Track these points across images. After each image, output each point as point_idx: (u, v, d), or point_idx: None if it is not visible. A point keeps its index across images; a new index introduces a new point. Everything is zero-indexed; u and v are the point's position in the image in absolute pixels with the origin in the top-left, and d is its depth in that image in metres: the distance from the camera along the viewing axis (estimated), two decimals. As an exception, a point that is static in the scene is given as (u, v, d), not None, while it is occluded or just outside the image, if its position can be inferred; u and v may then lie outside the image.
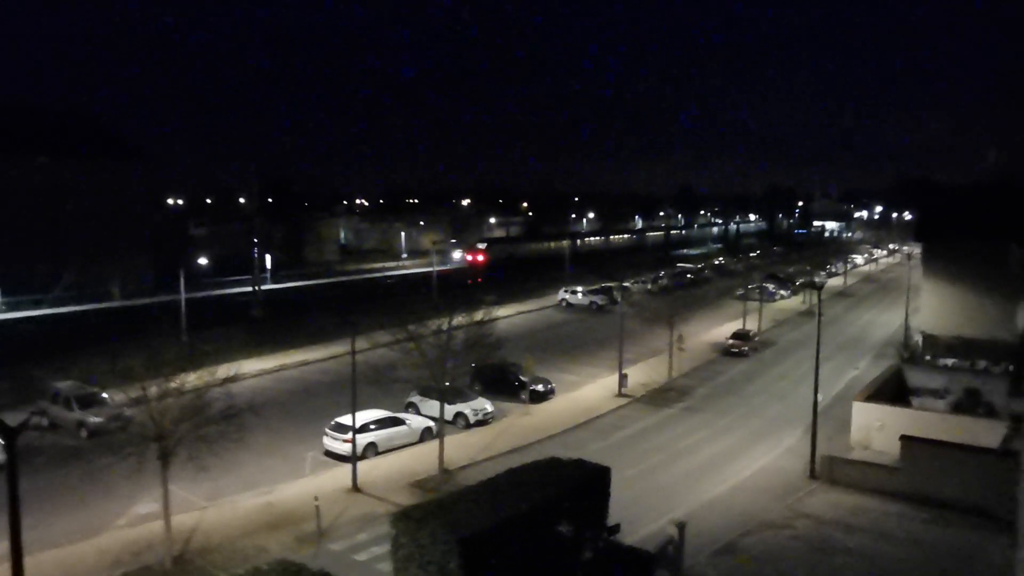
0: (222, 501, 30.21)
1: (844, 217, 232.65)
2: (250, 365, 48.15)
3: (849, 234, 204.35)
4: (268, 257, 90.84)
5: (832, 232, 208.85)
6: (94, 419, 36.92)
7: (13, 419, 16.15)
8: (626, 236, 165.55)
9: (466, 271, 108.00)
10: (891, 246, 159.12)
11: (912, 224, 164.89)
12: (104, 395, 38.05)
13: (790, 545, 27.27)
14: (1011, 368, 39.63)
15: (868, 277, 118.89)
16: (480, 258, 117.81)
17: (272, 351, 55.28)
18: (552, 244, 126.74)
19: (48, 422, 38.14)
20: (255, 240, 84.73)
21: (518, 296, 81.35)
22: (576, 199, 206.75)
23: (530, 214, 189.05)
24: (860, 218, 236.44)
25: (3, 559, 19.11)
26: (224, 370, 28.21)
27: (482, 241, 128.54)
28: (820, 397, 36.57)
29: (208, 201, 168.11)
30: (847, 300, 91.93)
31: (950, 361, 46.25)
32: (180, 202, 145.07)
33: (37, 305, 70.97)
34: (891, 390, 41.26)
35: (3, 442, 16.89)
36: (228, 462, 30.67)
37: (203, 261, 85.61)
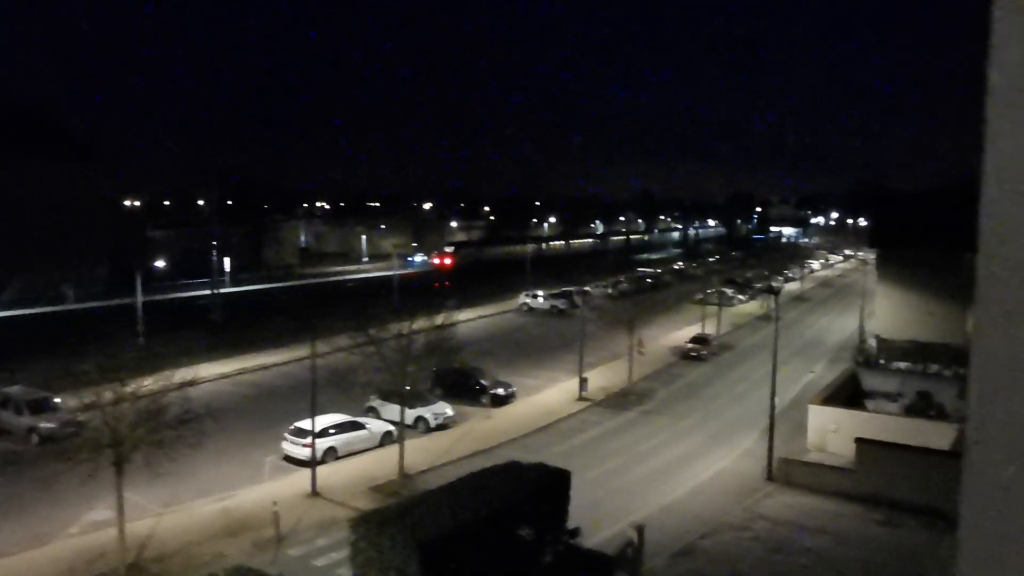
0: (178, 507, 29.80)
1: (801, 223, 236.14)
2: (208, 369, 47.57)
3: (806, 240, 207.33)
4: (227, 260, 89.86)
5: (789, 237, 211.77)
6: (46, 425, 36.21)
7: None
8: (589, 240, 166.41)
9: (434, 274, 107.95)
10: (847, 252, 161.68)
11: (867, 230, 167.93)
12: (57, 400, 37.34)
13: (748, 546, 27.58)
14: (961, 372, 40.47)
15: (824, 282, 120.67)
16: (448, 261, 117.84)
17: (231, 355, 54.64)
18: (519, 248, 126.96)
19: (-3, 428, 37.35)
20: (214, 243, 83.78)
21: (479, 300, 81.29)
22: (538, 203, 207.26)
23: (492, 218, 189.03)
24: (817, 224, 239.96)
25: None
26: (181, 374, 27.88)
27: (450, 244, 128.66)
28: (777, 400, 37.05)
29: (166, 203, 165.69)
30: (804, 305, 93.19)
31: (903, 365, 47.11)
32: (137, 204, 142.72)
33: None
34: (846, 393, 41.94)
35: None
36: (185, 467, 30.23)
37: (161, 264, 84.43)
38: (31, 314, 69.14)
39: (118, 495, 24.27)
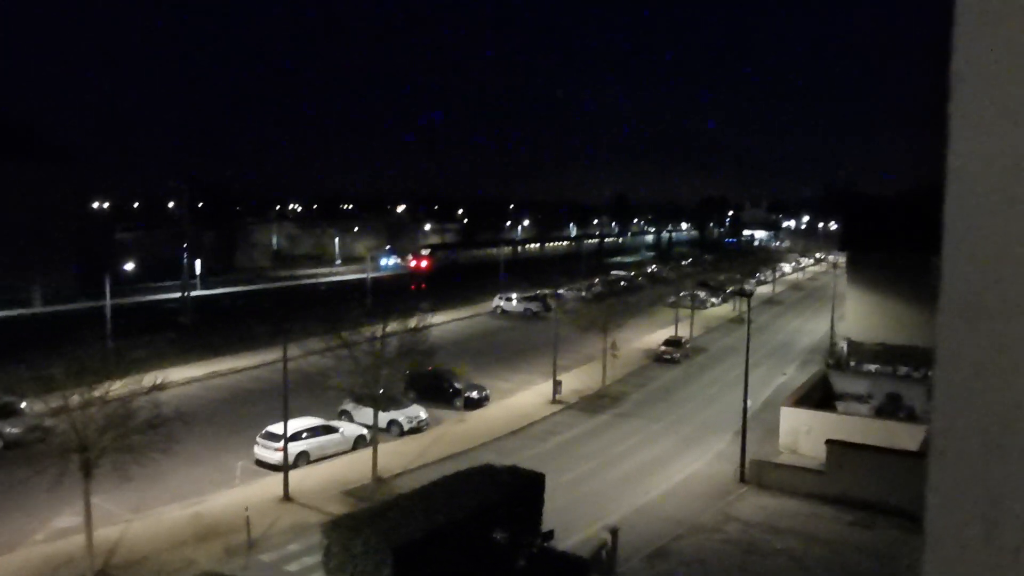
0: (148, 513, 29.46)
1: (773, 226, 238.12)
2: (179, 373, 47.07)
3: (777, 243, 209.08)
4: (198, 262, 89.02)
5: (761, 241, 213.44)
6: (11, 430, 35.66)
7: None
8: (565, 243, 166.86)
9: (410, 276, 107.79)
10: (817, 255, 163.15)
11: (837, 233, 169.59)
12: (22, 405, 36.75)
13: (721, 548, 27.72)
14: (930, 374, 40.96)
15: (796, 285, 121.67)
16: (424, 264, 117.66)
17: (202, 358, 54.10)
18: (494, 251, 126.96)
19: (-38, 433, 36.71)
20: (184, 245, 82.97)
21: (453, 303, 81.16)
22: (511, 206, 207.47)
23: (465, 221, 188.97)
24: (788, 227, 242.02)
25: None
26: (151, 378, 27.56)
27: (426, 247, 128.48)
28: (749, 403, 37.30)
29: (136, 205, 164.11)
30: (776, 307, 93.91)
31: (873, 367, 47.58)
32: (106, 206, 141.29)
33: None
34: (817, 395, 42.31)
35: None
36: (154, 472, 29.86)
37: (130, 266, 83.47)
38: (-3, 317, 68.08)
39: (85, 501, 23.94)
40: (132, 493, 29.50)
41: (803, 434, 37.86)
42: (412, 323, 36.18)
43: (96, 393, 24.19)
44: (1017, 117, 1.67)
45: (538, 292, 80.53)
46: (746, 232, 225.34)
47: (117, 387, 25.30)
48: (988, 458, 1.66)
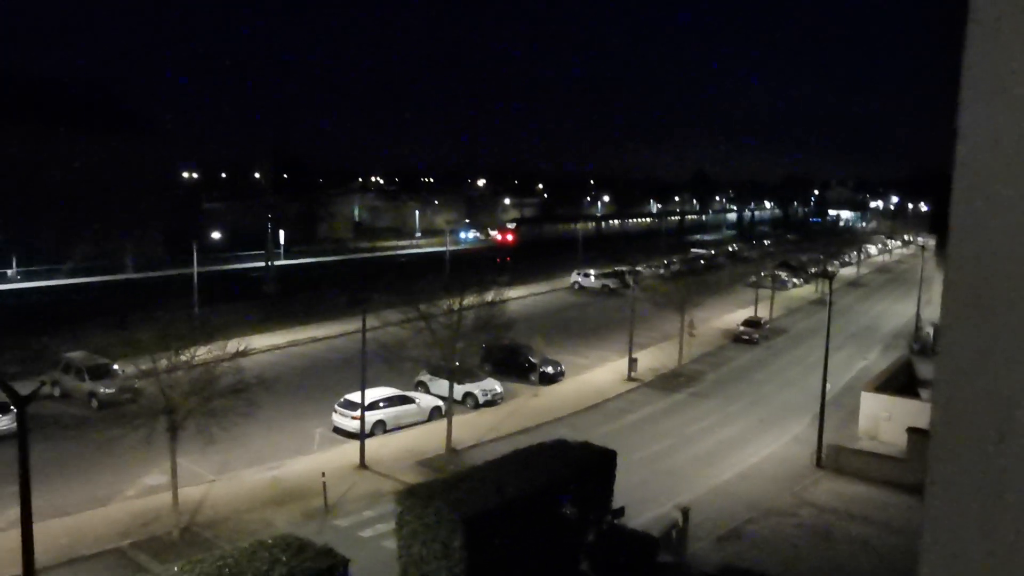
0: (230, 475, 30.46)
1: (859, 207, 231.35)
2: (261, 340, 48.34)
3: (864, 224, 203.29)
4: (281, 233, 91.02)
5: (847, 221, 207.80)
6: (105, 390, 37.17)
7: (25, 388, 16.29)
8: (647, 220, 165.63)
9: (496, 250, 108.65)
10: (906, 237, 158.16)
11: (927, 215, 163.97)
12: (115, 366, 38.29)
13: (794, 533, 27.33)
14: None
15: (882, 268, 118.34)
16: (510, 237, 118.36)
17: (283, 327, 55.48)
18: (578, 226, 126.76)
19: (60, 392, 38.47)
20: (269, 216, 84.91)
21: (531, 278, 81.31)
22: (592, 182, 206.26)
23: (545, 196, 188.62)
24: (876, 208, 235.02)
25: (14, 525, 19.38)
26: (234, 344, 28.37)
27: (512, 221, 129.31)
28: (829, 386, 36.53)
29: (223, 176, 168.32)
30: (860, 290, 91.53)
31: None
32: (195, 176, 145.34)
33: (51, 275, 71.41)
34: (900, 381, 41.18)
35: (14, 410, 17.04)
36: (236, 436, 30.84)
37: (216, 235, 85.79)
38: (92, 283, 70.85)
39: (172, 461, 24.88)
40: (215, 455, 30.52)
41: (883, 420, 36.95)
42: (489, 297, 36.37)
43: (182, 357, 25.05)
44: None
45: (616, 268, 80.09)
46: (831, 212, 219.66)
47: (202, 352, 26.14)
48: (988, 450, 1.62)
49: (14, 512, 17.40)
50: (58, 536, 24.28)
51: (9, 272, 72.19)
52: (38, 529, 16.34)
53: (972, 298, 1.67)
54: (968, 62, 1.69)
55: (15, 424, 17.37)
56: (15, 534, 16.28)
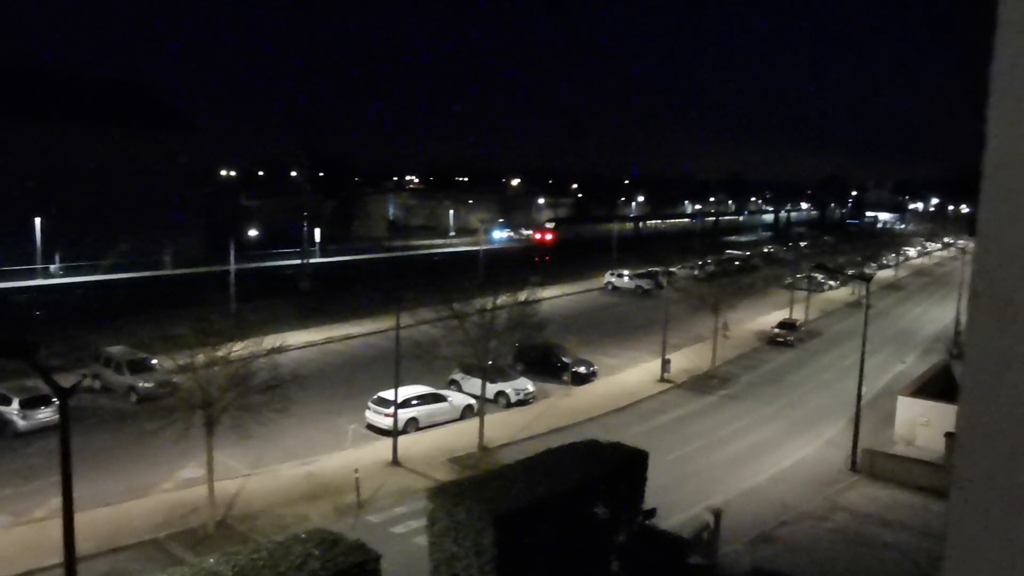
0: (264, 469, 30.84)
1: (898, 208, 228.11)
2: (296, 337, 48.83)
3: (902, 226, 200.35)
4: (317, 231, 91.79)
5: (885, 223, 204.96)
6: (144, 384, 37.80)
7: (67, 381, 16.63)
8: (685, 220, 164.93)
9: (533, 249, 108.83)
10: (946, 239, 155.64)
11: (968, 217, 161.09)
12: (154, 361, 38.88)
13: (827, 537, 27.11)
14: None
15: (920, 270, 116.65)
16: (548, 237, 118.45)
17: (318, 324, 55.95)
18: (615, 226, 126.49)
19: (100, 385, 39.18)
20: (305, 213, 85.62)
21: (564, 278, 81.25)
22: (626, 182, 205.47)
23: (580, 196, 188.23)
24: (915, 210, 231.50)
25: (56, 514, 19.80)
26: (270, 341, 28.74)
27: (550, 220, 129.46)
28: (864, 390, 36.16)
29: (260, 174, 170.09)
30: (897, 293, 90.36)
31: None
32: (232, 174, 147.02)
33: (92, 271, 72.65)
34: (938, 386, 40.60)
35: (57, 402, 17.41)
36: (271, 431, 31.18)
37: (253, 233, 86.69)
38: (131, 278, 71.96)
39: (208, 455, 25.24)
40: (250, 450, 30.92)
41: (920, 425, 36.50)
42: (522, 296, 36.45)
43: (220, 353, 25.40)
44: None
45: (650, 269, 79.75)
46: (869, 214, 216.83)
47: (239, 348, 26.50)
48: (1013, 454, 1.63)
49: (56, 501, 17.78)
50: (98, 526, 24.74)
51: (52, 268, 73.54)
52: (79, 518, 16.68)
53: (998, 303, 1.68)
54: (996, 67, 1.70)
55: (58, 416, 17.76)
56: (57, 523, 16.63)
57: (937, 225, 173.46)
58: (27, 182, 73.02)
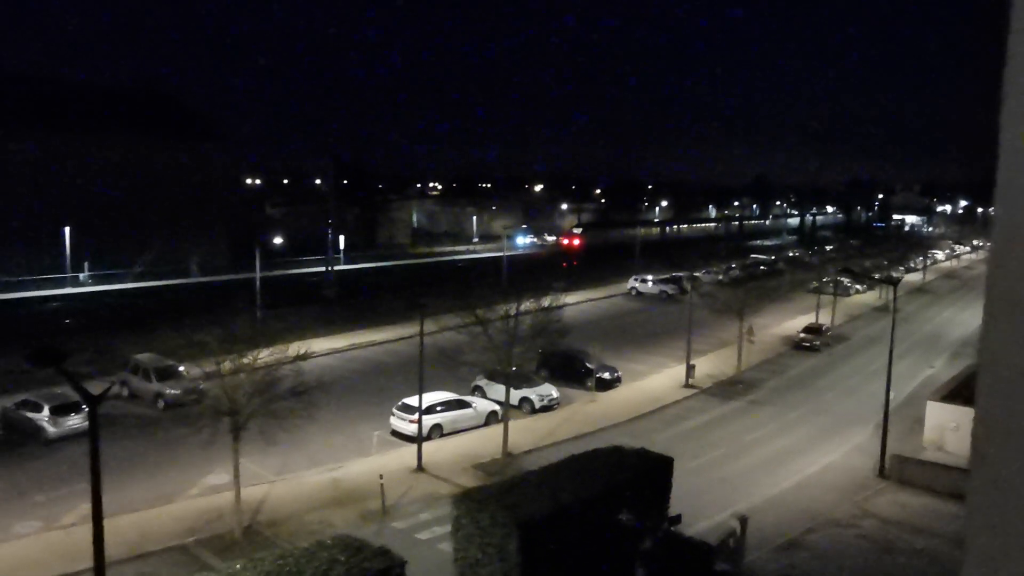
0: (290, 476, 30.99)
1: (926, 211, 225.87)
2: (321, 344, 49.06)
3: (930, 229, 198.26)
4: (341, 238, 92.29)
5: (913, 226, 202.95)
6: (171, 391, 38.16)
7: (95, 388, 16.82)
8: (710, 224, 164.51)
9: (560, 254, 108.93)
10: (975, 242, 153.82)
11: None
12: (181, 368, 39.23)
13: (855, 544, 26.83)
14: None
15: (949, 273, 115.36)
16: (576, 242, 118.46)
17: (343, 331, 56.22)
18: (642, 231, 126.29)
19: (128, 392, 39.58)
20: (329, 221, 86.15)
21: (588, 283, 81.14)
22: (650, 187, 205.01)
23: (603, 201, 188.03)
24: (943, 212, 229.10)
25: (86, 520, 20.02)
26: (295, 348, 28.89)
27: (578, 225, 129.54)
28: (893, 395, 35.78)
29: (285, 182, 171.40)
30: (926, 296, 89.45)
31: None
32: (258, 182, 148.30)
33: (121, 279, 73.47)
34: (968, 391, 40.06)
35: (86, 409, 17.61)
36: (297, 438, 31.42)
37: (278, 240, 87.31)
38: (159, 286, 72.69)
39: (235, 461, 25.42)
40: (276, 456, 31.11)
41: (950, 431, 36.05)
42: (546, 302, 36.43)
43: (245, 360, 25.59)
44: None
45: (674, 274, 79.46)
46: (896, 217, 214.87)
47: (264, 355, 26.68)
48: None
49: (86, 507, 17.99)
50: (127, 531, 24.98)
51: (81, 276, 74.44)
52: (108, 524, 16.84)
53: (1014, 309, 1.67)
54: (1009, 73, 1.69)
55: (87, 423, 17.95)
56: (87, 528, 16.81)
57: (966, 227, 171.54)
58: (56, 192, 74.04)
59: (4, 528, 25.79)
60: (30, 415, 34.20)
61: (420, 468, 31.81)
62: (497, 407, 37.70)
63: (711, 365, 50.42)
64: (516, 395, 38.63)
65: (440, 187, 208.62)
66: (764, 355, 54.57)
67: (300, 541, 23.76)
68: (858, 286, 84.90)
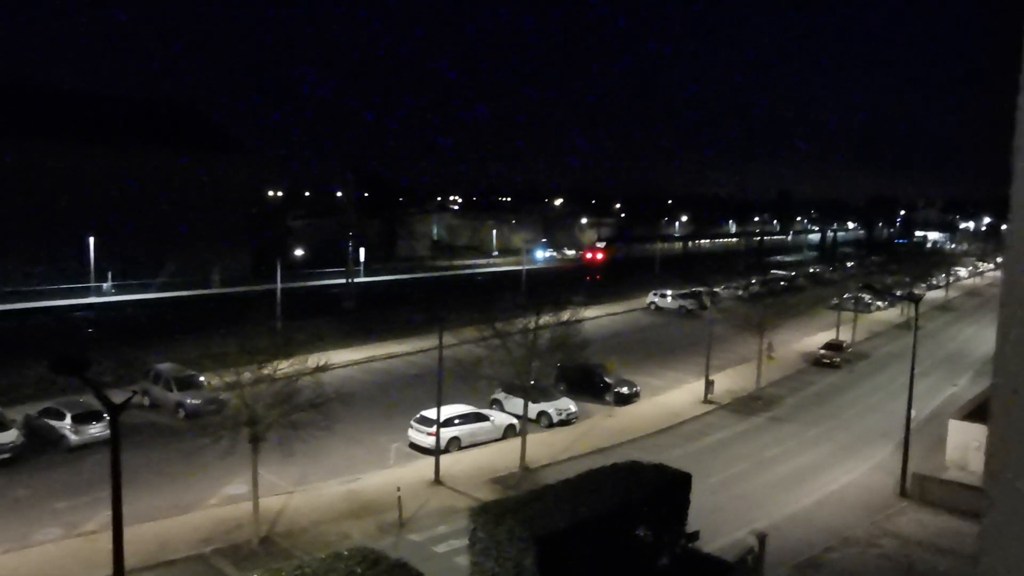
0: (308, 487, 31.08)
1: (949, 227, 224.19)
2: (340, 355, 49.25)
3: (953, 245, 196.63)
4: (362, 250, 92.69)
5: (935, 243, 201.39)
6: (191, 401, 38.40)
7: (117, 397, 16.99)
8: (731, 239, 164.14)
9: (583, 268, 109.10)
10: (998, 259, 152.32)
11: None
12: (201, 378, 39.49)
13: (876, 564, 26.57)
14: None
15: (972, 291, 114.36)
16: (599, 256, 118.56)
17: (362, 343, 56.42)
18: (666, 245, 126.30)
19: (149, 402, 39.87)
20: (350, 233, 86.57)
21: (607, 298, 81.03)
22: (670, 201, 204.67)
23: (623, 215, 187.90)
24: (966, 229, 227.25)
25: (106, 528, 20.18)
26: (315, 359, 29.03)
27: (602, 240, 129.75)
28: (914, 413, 35.46)
29: (306, 194, 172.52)
30: (948, 314, 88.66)
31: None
32: (279, 194, 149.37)
33: (143, 290, 74.12)
34: (991, 410, 39.70)
35: (107, 418, 17.78)
36: (315, 449, 31.53)
37: (299, 252, 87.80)
38: (180, 297, 73.28)
39: (254, 471, 25.56)
40: (294, 467, 31.24)
41: (973, 450, 35.64)
42: (565, 316, 36.41)
43: (265, 371, 25.74)
44: None
45: (693, 289, 79.25)
46: (918, 233, 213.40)
47: (284, 366, 26.84)
48: None
49: (106, 515, 18.13)
50: (146, 540, 25.13)
51: (104, 286, 75.17)
52: (128, 532, 16.98)
53: None
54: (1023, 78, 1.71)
55: (108, 431, 18.14)
56: (107, 536, 16.95)
57: (990, 244, 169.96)
58: (81, 203, 74.87)
59: (26, 535, 26.04)
60: (53, 423, 34.58)
61: (438, 481, 31.82)
62: (515, 421, 37.67)
63: (730, 381, 50.18)
64: (534, 409, 38.60)
65: (460, 201, 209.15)
66: (784, 371, 54.26)
67: (317, 552, 23.82)
68: (879, 303, 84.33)
